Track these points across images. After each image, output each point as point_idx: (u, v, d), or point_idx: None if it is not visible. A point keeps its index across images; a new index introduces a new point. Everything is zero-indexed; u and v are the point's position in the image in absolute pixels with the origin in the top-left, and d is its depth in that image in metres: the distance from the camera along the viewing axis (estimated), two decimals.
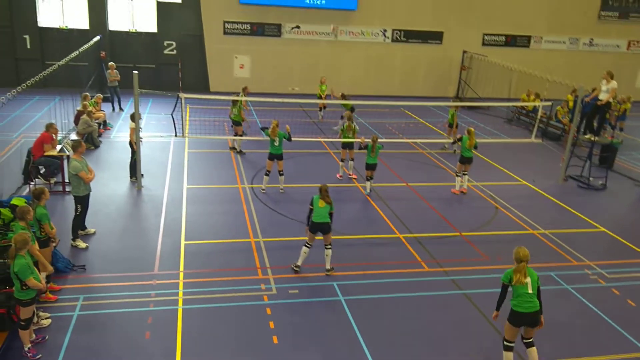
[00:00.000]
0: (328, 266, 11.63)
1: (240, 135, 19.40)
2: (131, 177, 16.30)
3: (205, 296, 10.63)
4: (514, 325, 8.48)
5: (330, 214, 11.36)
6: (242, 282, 11.16)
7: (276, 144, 15.70)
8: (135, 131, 15.58)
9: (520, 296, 8.35)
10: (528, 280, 8.38)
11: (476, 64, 30.96)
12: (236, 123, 19.43)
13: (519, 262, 8.45)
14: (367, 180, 16.30)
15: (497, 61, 28.61)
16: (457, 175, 16.92)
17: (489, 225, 14.77)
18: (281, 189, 16.03)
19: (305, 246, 11.57)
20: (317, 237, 11.57)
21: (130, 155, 16.38)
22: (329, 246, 11.53)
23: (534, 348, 8.67)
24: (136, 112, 15.43)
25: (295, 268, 11.64)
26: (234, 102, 19.21)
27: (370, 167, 16.11)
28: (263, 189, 15.98)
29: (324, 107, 25.09)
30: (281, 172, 16.00)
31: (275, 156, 15.83)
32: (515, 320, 8.44)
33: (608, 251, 13.77)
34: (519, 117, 27.30)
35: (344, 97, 22.73)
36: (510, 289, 8.56)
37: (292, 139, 16.18)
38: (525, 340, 8.75)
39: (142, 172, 16.00)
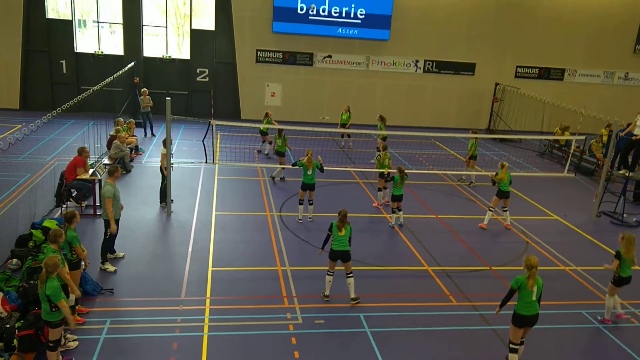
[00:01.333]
0: (353, 295, 11.54)
1: (282, 165, 19.61)
2: (161, 202, 16.46)
3: (231, 323, 10.59)
4: (518, 327, 9.33)
5: (349, 240, 11.36)
6: (268, 311, 11.12)
7: (309, 173, 15.70)
8: (166, 157, 15.76)
9: (524, 301, 9.17)
10: (535, 286, 9.14)
11: (508, 96, 30.77)
12: (280, 154, 19.64)
13: (530, 269, 9.10)
14: (393, 212, 16.18)
15: (530, 94, 28.40)
16: (489, 210, 16.65)
17: (520, 261, 14.46)
18: (309, 218, 16.00)
19: (328, 274, 11.56)
20: (337, 267, 11.54)
21: (160, 181, 16.55)
22: (351, 274, 11.47)
23: (523, 346, 9.69)
24: (168, 138, 15.61)
25: (325, 298, 11.61)
26: (279, 133, 19.45)
27: (397, 198, 15.97)
28: (299, 219, 15.96)
29: (349, 136, 25.17)
30: (311, 202, 15.99)
31: (308, 186, 15.82)
32: (518, 322, 9.29)
33: None
34: (552, 150, 26.98)
35: (382, 119, 22.70)
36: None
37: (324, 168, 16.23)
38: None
39: (172, 198, 16.14)
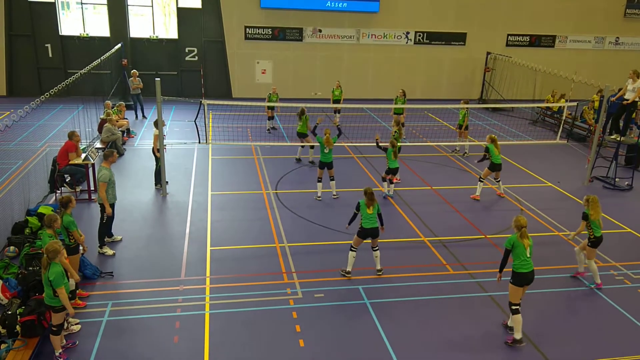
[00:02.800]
0: (379, 266, 11.81)
1: (303, 146, 19.39)
2: (156, 185, 16.45)
3: (232, 301, 10.68)
4: (518, 286, 9.52)
5: (379, 215, 11.43)
6: (268, 287, 11.21)
7: (326, 151, 15.68)
8: (158, 138, 15.70)
9: (520, 259, 9.44)
10: (529, 244, 9.48)
11: (500, 65, 30.71)
12: (301, 135, 19.22)
13: (520, 229, 9.48)
14: (385, 181, 16.19)
15: (521, 62, 28.34)
16: (480, 181, 16.63)
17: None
18: (334, 194, 15.95)
19: (352, 250, 11.58)
20: (365, 241, 11.64)
21: (154, 163, 16.51)
22: (377, 248, 11.69)
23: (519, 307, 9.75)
24: (159, 120, 15.53)
25: (345, 274, 11.65)
26: (301, 114, 19.02)
27: (392, 171, 16.03)
28: (318, 197, 15.98)
29: (339, 111, 25.10)
30: (332, 178, 16.01)
31: (326, 164, 15.83)
32: (518, 280, 9.50)
33: (634, 252, 13.59)
34: (544, 118, 27.01)
35: (404, 94, 22.63)
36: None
37: (315, 143, 16.16)
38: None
39: (166, 179, 16.12)
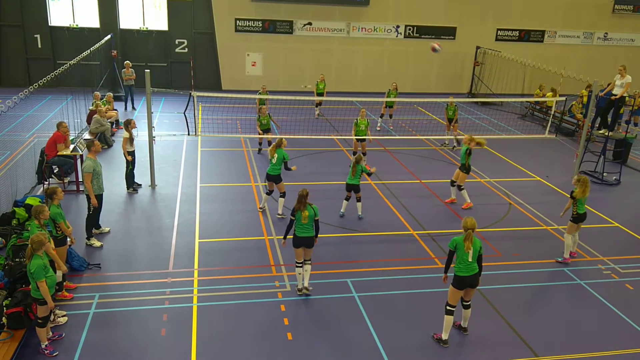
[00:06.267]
0: (306, 283, 10.70)
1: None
2: (128, 188, 15.54)
3: (220, 293, 10.68)
4: (458, 289, 9.27)
5: (316, 222, 10.41)
6: (256, 280, 11.22)
7: (273, 161, 14.04)
8: (148, 129, 15.60)
9: (462, 262, 9.18)
10: (471, 248, 9.17)
11: (489, 60, 30.78)
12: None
13: (466, 230, 9.23)
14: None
15: (510, 56, 28.41)
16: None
17: (502, 222, 14.70)
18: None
19: (297, 266, 10.67)
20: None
21: (125, 166, 15.54)
22: (309, 261, 10.69)
23: (470, 310, 9.68)
24: (148, 111, 15.40)
25: (298, 292, 10.71)
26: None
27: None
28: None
29: (320, 104, 25.08)
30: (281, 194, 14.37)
31: (272, 178, 14.22)
32: (458, 283, 9.23)
33: (621, 246, 13.70)
34: (533, 112, 27.13)
35: (396, 88, 22.66)
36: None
37: (304, 136, 15.63)
38: (464, 302, 9.61)
39: (136, 179, 15.77)
